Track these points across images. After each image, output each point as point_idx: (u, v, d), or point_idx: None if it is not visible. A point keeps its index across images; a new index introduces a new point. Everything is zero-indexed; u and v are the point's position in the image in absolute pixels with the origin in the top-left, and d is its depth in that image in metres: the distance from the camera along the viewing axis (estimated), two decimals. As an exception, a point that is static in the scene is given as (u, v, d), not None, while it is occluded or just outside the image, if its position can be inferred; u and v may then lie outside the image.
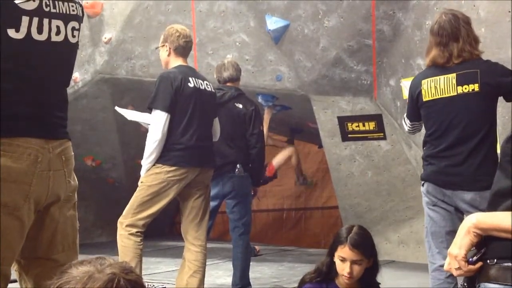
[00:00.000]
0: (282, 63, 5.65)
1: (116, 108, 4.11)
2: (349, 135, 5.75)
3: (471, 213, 2.96)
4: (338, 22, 5.30)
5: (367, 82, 5.54)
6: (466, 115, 3.01)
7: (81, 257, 1.45)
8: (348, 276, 2.41)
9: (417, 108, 3.20)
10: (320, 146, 6.66)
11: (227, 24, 5.70)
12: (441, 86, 3.05)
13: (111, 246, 5.07)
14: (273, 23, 5.46)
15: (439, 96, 3.06)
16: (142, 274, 3.80)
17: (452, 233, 3.00)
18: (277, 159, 6.42)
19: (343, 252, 2.43)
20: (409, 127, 3.36)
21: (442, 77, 3.05)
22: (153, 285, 4.47)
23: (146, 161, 3.59)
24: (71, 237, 1.97)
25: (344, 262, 2.42)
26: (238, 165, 4.29)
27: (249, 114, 4.34)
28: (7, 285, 1.81)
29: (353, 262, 2.42)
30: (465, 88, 2.99)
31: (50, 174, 1.85)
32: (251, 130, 4.33)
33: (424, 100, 3.12)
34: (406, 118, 3.36)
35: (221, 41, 5.75)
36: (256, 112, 4.42)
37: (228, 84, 4.42)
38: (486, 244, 1.32)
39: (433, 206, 3.11)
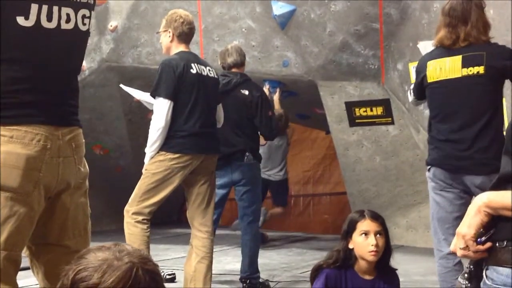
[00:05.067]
0: (289, 48, 5.63)
1: (121, 85, 4.08)
2: (357, 121, 5.74)
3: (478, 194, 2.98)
4: (345, 6, 5.26)
5: (374, 66, 5.51)
6: (470, 98, 2.99)
7: (91, 245, 1.45)
8: (375, 249, 2.39)
9: (422, 89, 3.20)
10: (328, 132, 6.64)
11: (233, 10, 5.67)
12: (446, 68, 3.03)
13: (120, 234, 5.08)
14: (279, 8, 5.43)
15: (444, 78, 3.05)
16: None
17: (459, 218, 2.96)
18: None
19: (365, 225, 2.42)
20: (413, 100, 3.39)
21: (448, 58, 3.03)
22: (163, 271, 4.50)
23: (150, 149, 3.58)
24: (82, 223, 1.97)
25: (367, 236, 2.41)
26: (247, 153, 4.26)
27: (256, 100, 4.27)
28: (17, 270, 1.82)
29: (376, 233, 2.41)
30: (470, 71, 2.97)
31: (60, 161, 1.85)
32: (259, 116, 4.29)
33: (428, 81, 3.11)
34: (411, 91, 3.36)
35: (227, 27, 5.72)
36: (263, 98, 4.37)
37: (233, 69, 4.37)
38: (496, 225, 1.30)
39: (440, 191, 3.09)
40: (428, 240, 5.42)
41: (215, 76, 3.84)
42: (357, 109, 5.69)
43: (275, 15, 5.44)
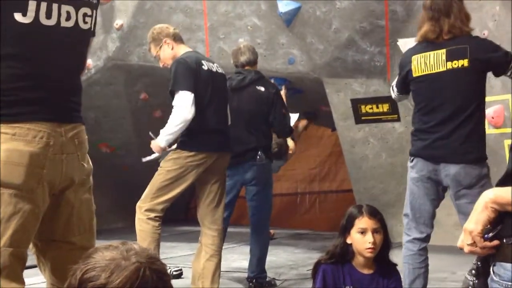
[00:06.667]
0: (294, 46, 5.62)
1: (143, 159, 3.83)
2: (363, 118, 5.72)
3: (452, 187, 3.05)
4: (350, 3, 5.26)
5: (380, 63, 5.50)
6: (455, 90, 3.03)
7: (98, 243, 1.46)
8: (372, 246, 2.40)
9: (406, 83, 3.24)
10: (334, 129, 6.63)
11: (238, 8, 5.67)
12: (430, 62, 3.07)
13: (127, 232, 5.11)
14: (285, 5, 5.42)
15: (429, 72, 3.08)
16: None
17: (431, 211, 3.16)
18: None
19: (362, 222, 2.43)
20: (396, 95, 3.43)
21: (432, 53, 3.07)
22: (169, 268, 4.51)
23: (168, 136, 3.50)
24: (87, 220, 1.98)
25: (365, 233, 2.42)
26: (259, 152, 4.21)
27: (271, 96, 4.25)
28: (24, 267, 1.83)
29: (373, 231, 2.42)
30: (455, 64, 3.01)
31: (63, 158, 1.86)
32: (273, 112, 4.24)
33: (413, 75, 3.15)
34: (394, 87, 3.40)
35: (233, 25, 5.72)
36: (278, 95, 4.35)
37: (246, 68, 4.37)
38: (503, 221, 1.30)
39: (418, 182, 3.16)
40: (434, 237, 5.37)
41: (223, 73, 3.85)
42: (363, 106, 5.68)
43: (281, 12, 5.44)
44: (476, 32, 4.52)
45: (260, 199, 4.32)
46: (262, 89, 4.25)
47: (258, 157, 4.20)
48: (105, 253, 1.15)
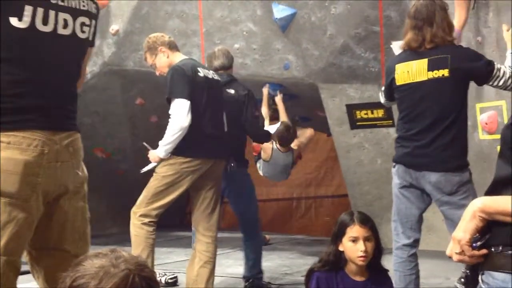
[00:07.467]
0: (290, 51, 5.64)
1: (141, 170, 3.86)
2: (358, 123, 5.74)
3: (435, 195, 3.08)
4: (345, 9, 5.28)
5: (375, 69, 5.51)
6: (436, 99, 3.06)
7: (93, 248, 1.47)
8: (364, 255, 2.41)
9: (390, 91, 3.28)
10: (329, 135, 6.64)
11: (234, 13, 5.68)
12: (413, 71, 3.10)
13: (122, 237, 5.10)
14: (280, 11, 5.44)
15: (411, 81, 3.12)
16: (154, 264, 3.83)
17: (417, 215, 3.19)
18: (300, 140, 5.79)
19: (354, 231, 2.44)
20: (384, 101, 3.50)
21: (414, 62, 3.10)
22: (165, 274, 4.51)
23: (166, 146, 3.50)
24: (81, 228, 1.98)
25: (357, 242, 2.43)
26: (230, 160, 4.04)
27: (241, 99, 4.15)
28: (18, 275, 1.84)
29: (365, 239, 2.43)
30: (435, 74, 3.03)
31: (58, 166, 1.86)
32: (244, 114, 4.15)
33: (397, 84, 3.19)
34: (382, 93, 3.45)
35: (228, 31, 5.73)
36: (250, 97, 4.21)
37: (220, 72, 4.25)
38: (491, 230, 1.31)
39: (401, 188, 3.20)
40: (430, 242, 5.42)
41: (218, 79, 3.87)
42: (358, 112, 5.69)
43: (276, 18, 5.45)
44: (470, 39, 4.56)
45: (241, 207, 4.28)
46: (232, 91, 4.15)
47: (229, 167, 4.04)
48: (94, 261, 1.17)
